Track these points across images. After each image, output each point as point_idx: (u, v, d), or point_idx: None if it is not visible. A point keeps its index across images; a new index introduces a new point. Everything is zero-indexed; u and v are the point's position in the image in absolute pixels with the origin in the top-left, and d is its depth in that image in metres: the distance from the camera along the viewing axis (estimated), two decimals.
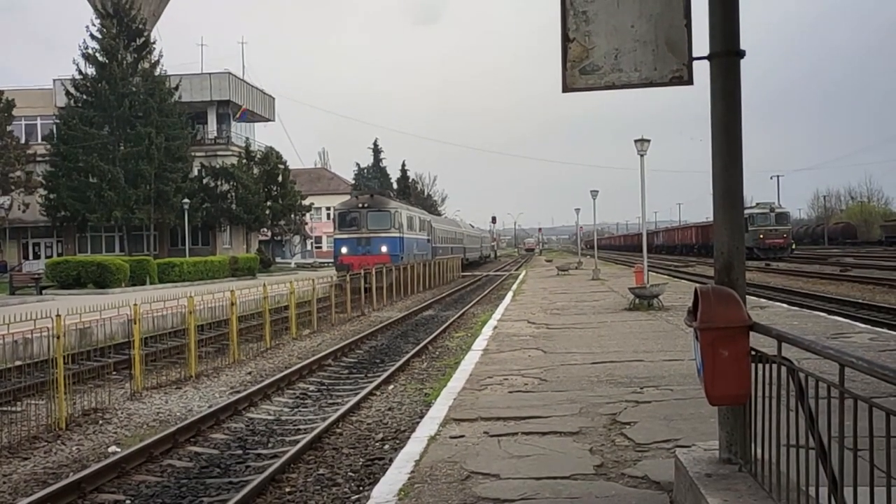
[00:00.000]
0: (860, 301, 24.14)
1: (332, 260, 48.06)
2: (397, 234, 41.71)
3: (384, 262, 36.65)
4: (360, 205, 41.94)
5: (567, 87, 5.28)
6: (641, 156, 24.11)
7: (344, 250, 40.88)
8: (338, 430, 10.59)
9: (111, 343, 18.30)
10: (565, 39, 5.24)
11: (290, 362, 16.89)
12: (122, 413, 12.21)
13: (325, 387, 14.26)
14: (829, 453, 3.48)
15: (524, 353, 13.01)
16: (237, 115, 64.07)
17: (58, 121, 53.44)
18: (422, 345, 18.64)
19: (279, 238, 73.12)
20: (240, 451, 9.89)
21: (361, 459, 9.18)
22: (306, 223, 72.81)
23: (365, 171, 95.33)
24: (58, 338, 11.80)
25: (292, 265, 70.65)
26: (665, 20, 5.16)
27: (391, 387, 13.73)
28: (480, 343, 14.75)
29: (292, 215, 65.36)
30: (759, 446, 4.43)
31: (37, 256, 57.06)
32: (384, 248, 40.26)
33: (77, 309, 14.05)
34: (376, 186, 59.06)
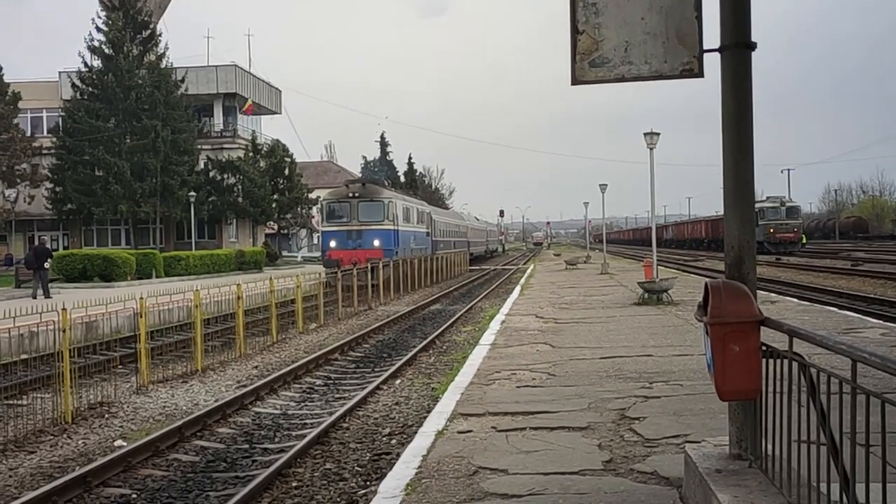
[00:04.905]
0: (872, 296, 24.07)
1: None
2: (391, 227, 39.09)
3: (376, 258, 34.01)
4: (351, 194, 39.05)
5: (576, 80, 5.28)
6: (651, 149, 24.03)
7: (332, 244, 38.31)
8: (344, 425, 10.61)
9: (117, 337, 18.39)
10: (575, 32, 5.23)
11: (297, 356, 16.92)
12: (128, 407, 12.25)
13: (331, 381, 14.29)
14: (841, 449, 3.47)
15: (532, 348, 13.01)
16: (243, 109, 64.05)
17: (63, 113, 53.72)
18: (429, 339, 18.65)
19: (285, 232, 73.29)
20: (246, 446, 9.92)
21: (368, 454, 9.19)
22: (313, 217, 72.83)
23: (372, 164, 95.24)
24: (64, 331, 11.85)
25: (299, 259, 70.67)
26: (675, 12, 5.15)
27: (398, 381, 13.74)
28: (488, 337, 14.75)
29: (299, 209, 65.46)
30: (770, 442, 4.42)
31: None
32: (377, 242, 37.54)
33: (83, 302, 14.10)
34: (382, 179, 57.73)
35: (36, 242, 33.04)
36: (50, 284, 34.61)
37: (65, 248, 53.14)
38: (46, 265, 29.66)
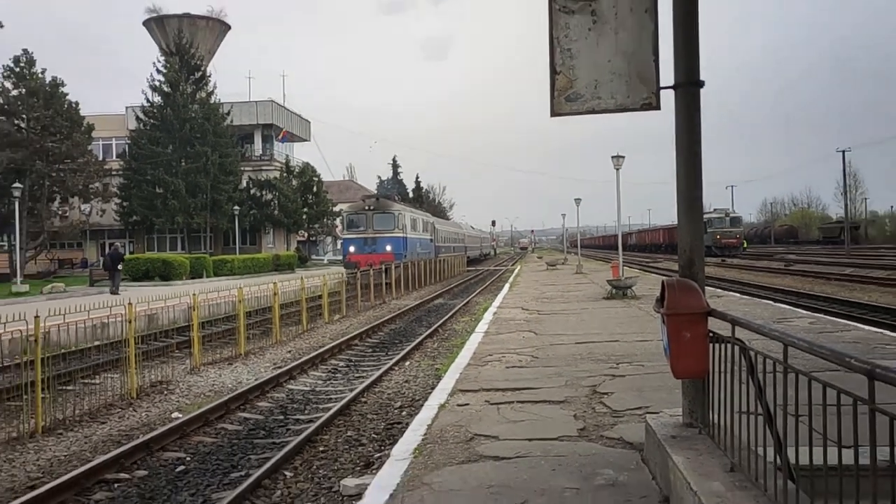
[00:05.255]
0: (801, 291, 24.11)
1: None
2: (401, 235, 38.79)
3: (389, 260, 34.06)
4: (367, 207, 38.93)
5: (554, 112, 5.27)
6: (617, 169, 24.04)
7: (352, 249, 38.08)
8: (363, 399, 10.62)
9: (174, 326, 18.40)
10: (553, 72, 5.23)
11: (324, 342, 16.92)
12: (183, 385, 12.27)
13: (352, 363, 14.28)
14: (775, 419, 3.47)
15: (519, 335, 12.98)
16: (279, 137, 64.14)
17: (129, 141, 53.82)
18: (433, 328, 18.65)
19: (314, 239, 73.15)
20: (281, 417, 9.93)
21: (383, 423, 9.20)
22: (336, 226, 72.70)
23: (385, 182, 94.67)
24: (129, 322, 11.87)
25: (325, 261, 70.58)
26: (637, 56, 5.15)
27: (408, 363, 13.75)
28: (482, 326, 14.72)
29: (325, 220, 65.37)
30: (716, 413, 4.42)
31: None
32: (388, 248, 37.26)
33: (145, 298, 14.13)
34: (393, 195, 57.58)
35: (108, 249, 33.97)
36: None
37: (130, 253, 53.13)
38: (119, 267, 30.33)
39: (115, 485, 7.28)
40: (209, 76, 57.14)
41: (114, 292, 27.43)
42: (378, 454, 7.71)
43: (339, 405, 9.88)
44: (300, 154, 73.11)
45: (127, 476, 7.49)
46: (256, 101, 63.19)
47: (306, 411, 10.25)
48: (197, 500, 6.83)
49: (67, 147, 45.27)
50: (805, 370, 3.15)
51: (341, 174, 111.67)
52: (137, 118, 53.62)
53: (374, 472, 6.61)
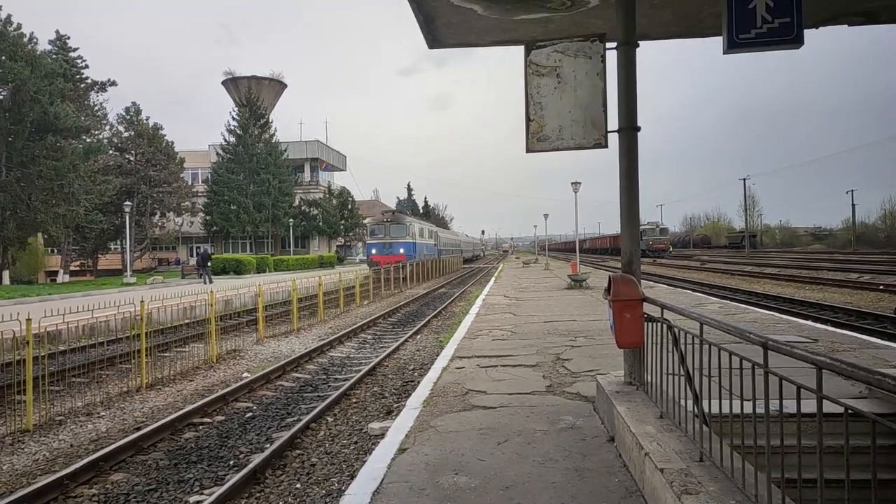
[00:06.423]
0: (712, 283, 24.05)
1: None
2: (411, 240, 38.51)
3: (401, 260, 33.95)
4: (385, 220, 38.88)
5: (528, 150, 5.28)
6: (575, 192, 24.05)
7: (374, 251, 38.12)
8: (385, 363, 10.61)
9: (244, 309, 18.38)
10: (527, 119, 5.24)
11: (356, 321, 16.90)
12: (251, 353, 12.26)
13: (377, 336, 14.26)
14: (693, 379, 3.47)
15: (502, 316, 12.97)
16: (322, 168, 64.16)
17: (211, 170, 53.77)
18: (438, 310, 18.61)
19: (349, 244, 73.05)
20: (324, 376, 9.92)
21: (400, 381, 9.19)
22: (365, 234, 72.52)
23: (402, 202, 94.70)
24: (211, 306, 11.87)
25: (357, 261, 70.40)
26: (591, 107, 5.15)
27: (419, 336, 13.72)
28: (474, 310, 14.70)
29: (357, 229, 65.38)
30: (649, 374, 4.42)
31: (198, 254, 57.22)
32: (402, 250, 37.17)
33: (223, 287, 14.10)
34: (406, 210, 57.46)
35: (198, 251, 34.71)
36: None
37: (211, 253, 53.09)
38: (209, 264, 30.81)
39: (200, 426, 7.28)
40: (271, 122, 57.08)
41: (205, 283, 27.63)
42: (397, 404, 7.71)
43: (367, 368, 9.87)
44: (338, 180, 72.96)
45: (209, 420, 7.49)
46: (306, 141, 63.07)
47: (343, 372, 10.25)
48: (262, 438, 6.83)
49: (165, 175, 45.42)
50: (715, 342, 3.15)
51: (369, 195, 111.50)
52: (217, 153, 53.58)
53: (393, 417, 6.61)
